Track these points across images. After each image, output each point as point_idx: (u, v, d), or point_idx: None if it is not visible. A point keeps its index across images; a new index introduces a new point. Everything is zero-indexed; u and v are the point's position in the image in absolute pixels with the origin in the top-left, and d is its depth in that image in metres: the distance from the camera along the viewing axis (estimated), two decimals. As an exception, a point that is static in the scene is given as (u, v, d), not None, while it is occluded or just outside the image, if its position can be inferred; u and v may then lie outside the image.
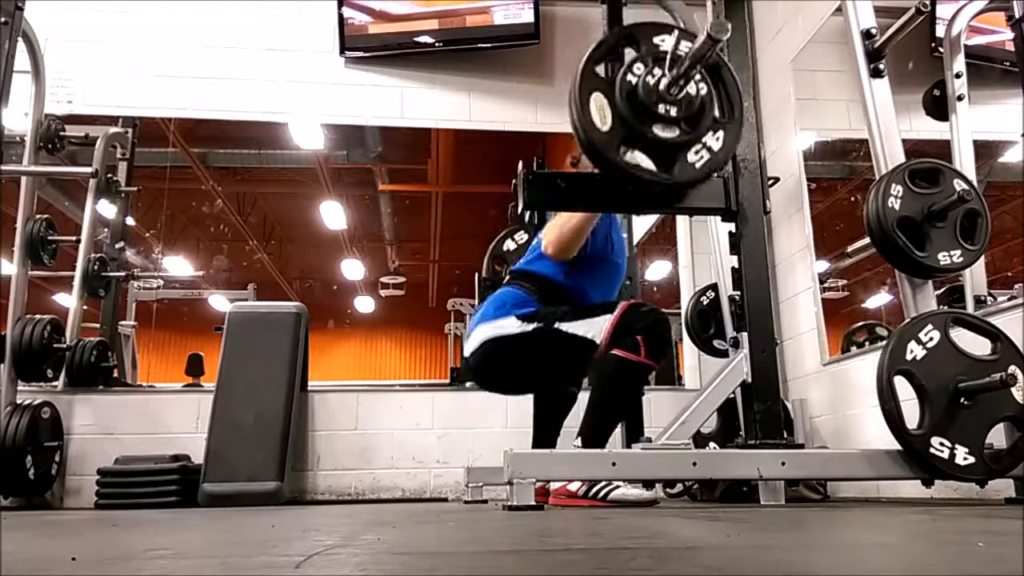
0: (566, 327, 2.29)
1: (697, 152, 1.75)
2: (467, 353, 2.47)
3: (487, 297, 3.37)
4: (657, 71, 1.71)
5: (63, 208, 4.78)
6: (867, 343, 3.20)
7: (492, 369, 2.45)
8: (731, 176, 2.16)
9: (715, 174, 1.86)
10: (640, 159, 1.71)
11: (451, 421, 3.59)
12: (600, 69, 1.74)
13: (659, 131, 1.70)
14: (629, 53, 1.75)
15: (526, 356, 2.37)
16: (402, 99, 4.05)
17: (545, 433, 2.67)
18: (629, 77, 1.71)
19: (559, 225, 2.37)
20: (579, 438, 2.29)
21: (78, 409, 3.37)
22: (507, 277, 2.63)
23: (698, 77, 1.74)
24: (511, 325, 2.34)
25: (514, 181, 1.94)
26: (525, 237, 3.42)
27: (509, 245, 3.50)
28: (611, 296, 2.56)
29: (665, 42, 1.75)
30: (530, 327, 2.32)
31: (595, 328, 2.27)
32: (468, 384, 3.89)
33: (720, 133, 1.78)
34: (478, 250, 3.59)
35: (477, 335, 2.41)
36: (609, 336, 2.26)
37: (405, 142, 5.47)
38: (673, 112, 1.71)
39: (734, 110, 1.80)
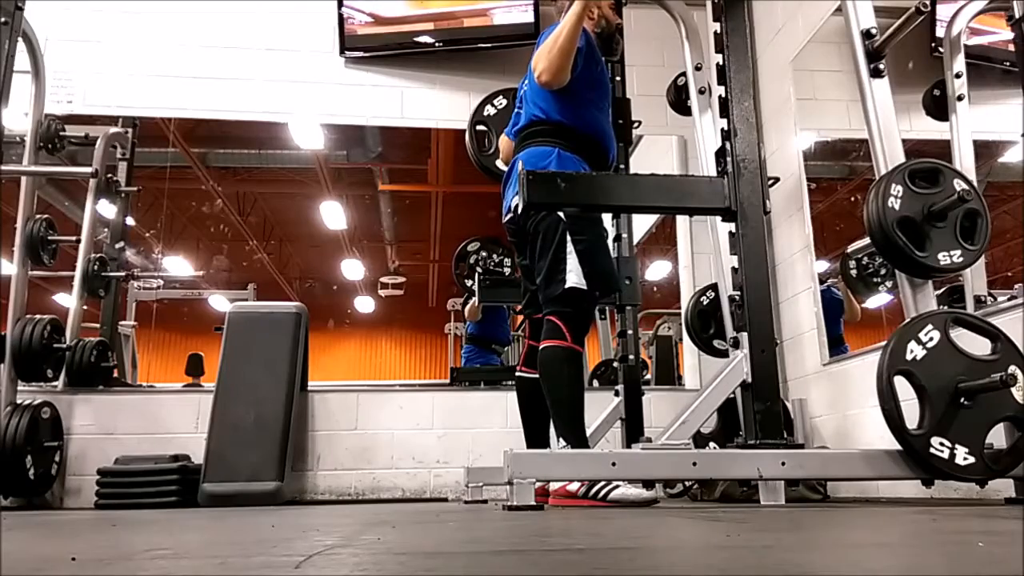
0: (569, 248, 2.33)
1: None
2: (506, 209, 2.53)
3: (486, 296, 3.39)
4: None
5: (63, 208, 4.77)
6: (864, 258, 3.17)
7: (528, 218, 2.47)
8: (731, 176, 2.16)
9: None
10: None
11: (451, 421, 3.59)
12: None
13: None
14: None
15: (543, 223, 2.39)
16: (402, 99, 4.05)
17: (534, 430, 2.67)
18: None
19: (545, 51, 2.38)
20: (559, 439, 2.30)
21: (78, 409, 3.37)
22: (503, 139, 2.69)
23: None
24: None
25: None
26: (504, 102, 3.34)
27: (488, 111, 3.40)
28: (606, 117, 2.59)
29: None
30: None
31: (573, 279, 2.32)
32: (468, 384, 3.89)
33: None
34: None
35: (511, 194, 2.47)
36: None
37: (405, 142, 5.47)
38: None
39: None
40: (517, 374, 2.71)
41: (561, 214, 2.37)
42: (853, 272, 3.14)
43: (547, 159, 2.41)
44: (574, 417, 2.33)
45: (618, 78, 3.10)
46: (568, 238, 2.35)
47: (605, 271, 2.43)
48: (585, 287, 2.32)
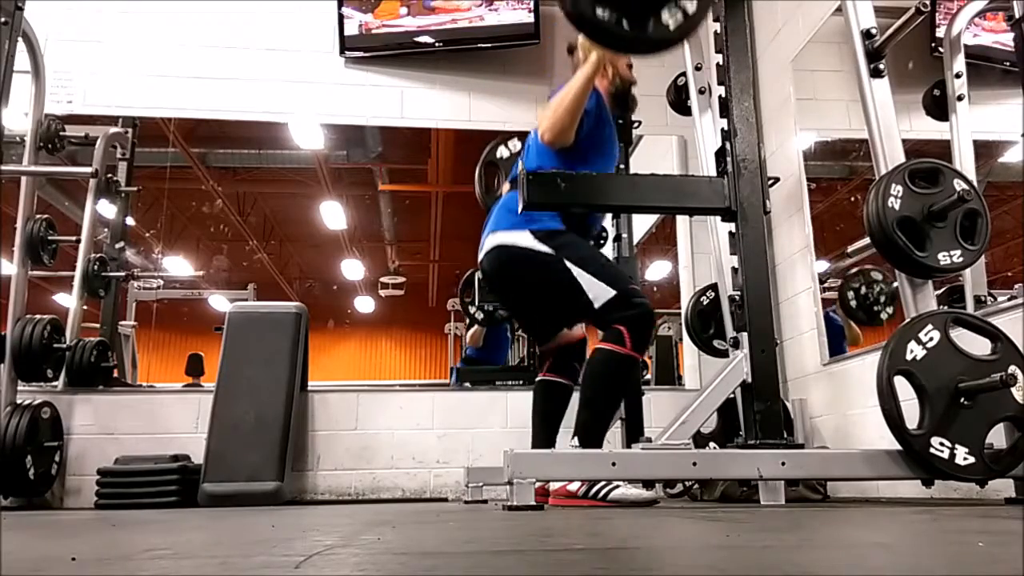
0: (576, 273, 2.32)
1: (672, 13, 1.73)
2: (480, 256, 2.51)
3: (487, 296, 3.40)
4: None
5: (63, 208, 4.77)
6: (863, 287, 3.18)
7: (501, 275, 2.48)
8: (731, 176, 2.16)
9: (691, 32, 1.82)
10: (614, 16, 1.70)
11: (451, 421, 3.59)
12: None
13: None
14: None
15: (532, 276, 2.40)
16: (402, 99, 4.05)
17: (544, 431, 2.67)
18: None
19: (552, 110, 2.36)
20: (575, 437, 2.29)
21: (78, 409, 3.37)
22: (507, 186, 2.63)
23: None
24: (525, 239, 2.38)
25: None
26: (519, 145, 3.32)
27: (502, 152, 3.41)
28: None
29: None
30: (542, 248, 2.35)
31: (599, 293, 2.30)
32: (468, 384, 3.89)
33: None
34: (478, 250, 3.57)
35: (490, 240, 2.46)
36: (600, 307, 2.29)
37: (405, 142, 5.47)
38: None
39: None
40: (541, 378, 2.69)
41: (548, 249, 2.34)
42: (852, 303, 3.16)
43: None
44: (601, 425, 2.33)
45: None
46: (570, 266, 2.33)
47: (614, 274, 2.41)
48: (615, 293, 2.30)
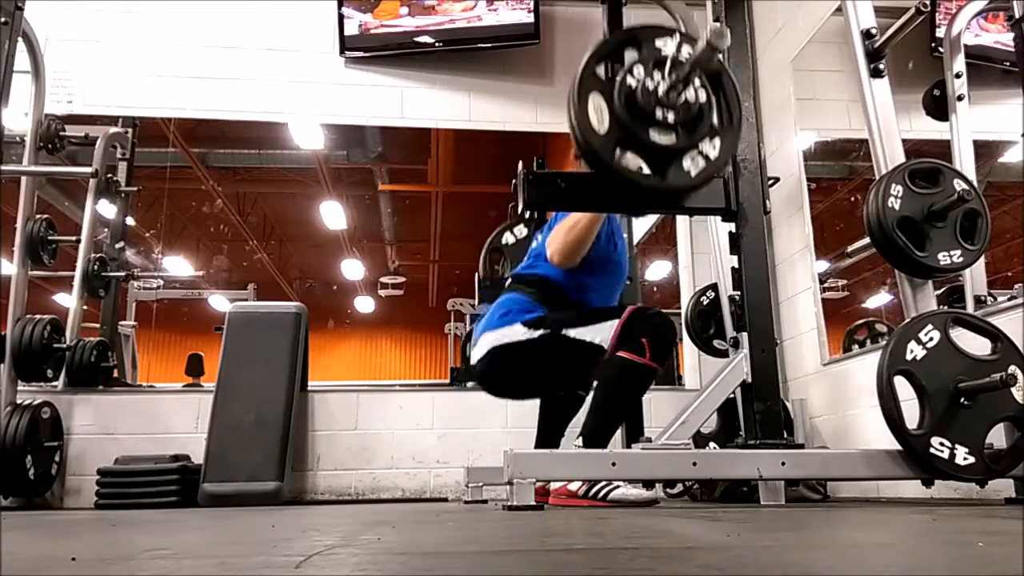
0: (573, 333, 2.29)
1: (693, 159, 1.74)
2: (474, 361, 2.45)
3: (486, 297, 3.38)
4: (656, 75, 1.70)
5: (63, 208, 4.78)
6: (868, 341, 3.20)
7: (500, 375, 2.45)
8: (731, 176, 2.16)
9: (714, 176, 1.85)
10: (635, 163, 1.71)
11: (451, 421, 3.59)
12: (600, 70, 1.73)
13: (656, 136, 1.69)
14: (630, 55, 1.74)
15: (534, 362, 2.36)
16: (402, 99, 4.05)
17: (549, 435, 2.67)
18: (628, 80, 1.70)
19: (563, 232, 2.34)
20: (580, 438, 2.28)
21: (78, 409, 3.37)
22: (509, 281, 2.62)
23: (698, 83, 1.73)
24: (517, 332, 2.34)
25: (514, 181, 1.93)
26: (524, 231, 3.39)
27: (508, 239, 3.46)
28: (614, 296, 2.56)
29: (667, 46, 1.74)
30: (536, 334, 2.32)
31: (602, 333, 2.27)
32: (468, 384, 3.89)
33: (717, 140, 1.76)
34: (478, 250, 3.58)
35: (483, 342, 2.40)
36: (615, 340, 2.26)
37: (405, 142, 5.48)
38: (671, 117, 1.70)
39: (732, 118, 1.79)
40: None
41: (542, 331, 2.31)
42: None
43: (519, 304, 2.39)
44: (609, 430, 2.31)
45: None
46: (566, 332, 2.29)
47: (593, 313, 2.36)
48: (615, 321, 2.26)
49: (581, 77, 1.69)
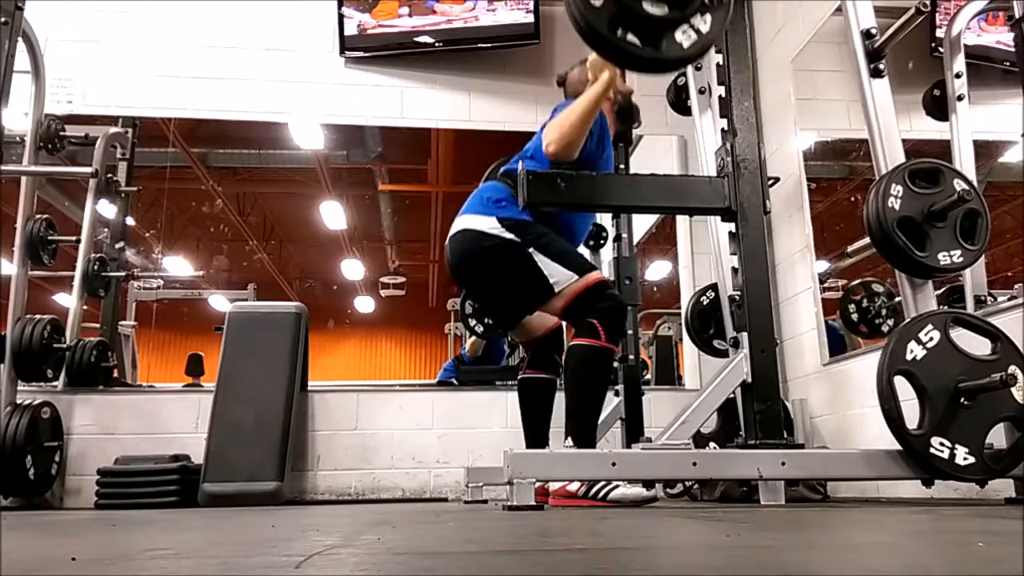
0: (537, 258, 2.32)
1: (685, 31, 1.73)
2: (447, 241, 2.52)
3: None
4: None
5: (63, 208, 4.77)
6: (864, 300, 3.18)
7: (463, 260, 2.48)
8: (731, 176, 2.16)
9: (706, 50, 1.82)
10: (630, 36, 1.71)
11: (451, 421, 3.59)
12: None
13: (648, 7, 1.69)
14: None
15: (491, 260, 2.40)
16: (402, 99, 4.05)
17: (533, 429, 2.67)
18: None
19: (560, 124, 2.36)
20: (568, 438, 2.29)
21: (78, 409, 3.37)
22: (499, 173, 2.64)
23: None
24: (489, 224, 2.38)
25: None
26: None
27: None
28: (587, 221, 2.62)
29: None
30: (506, 235, 2.36)
31: (561, 278, 2.31)
32: (468, 384, 3.89)
33: (708, 16, 1.76)
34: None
35: (458, 223, 2.47)
36: (569, 302, 2.30)
37: (405, 142, 5.47)
38: None
39: None
40: (522, 376, 2.70)
41: (511, 236, 2.35)
42: (854, 316, 3.17)
43: (500, 194, 2.42)
44: (590, 419, 2.33)
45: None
46: (531, 251, 2.33)
47: (579, 261, 2.40)
48: (577, 277, 2.31)
49: None
